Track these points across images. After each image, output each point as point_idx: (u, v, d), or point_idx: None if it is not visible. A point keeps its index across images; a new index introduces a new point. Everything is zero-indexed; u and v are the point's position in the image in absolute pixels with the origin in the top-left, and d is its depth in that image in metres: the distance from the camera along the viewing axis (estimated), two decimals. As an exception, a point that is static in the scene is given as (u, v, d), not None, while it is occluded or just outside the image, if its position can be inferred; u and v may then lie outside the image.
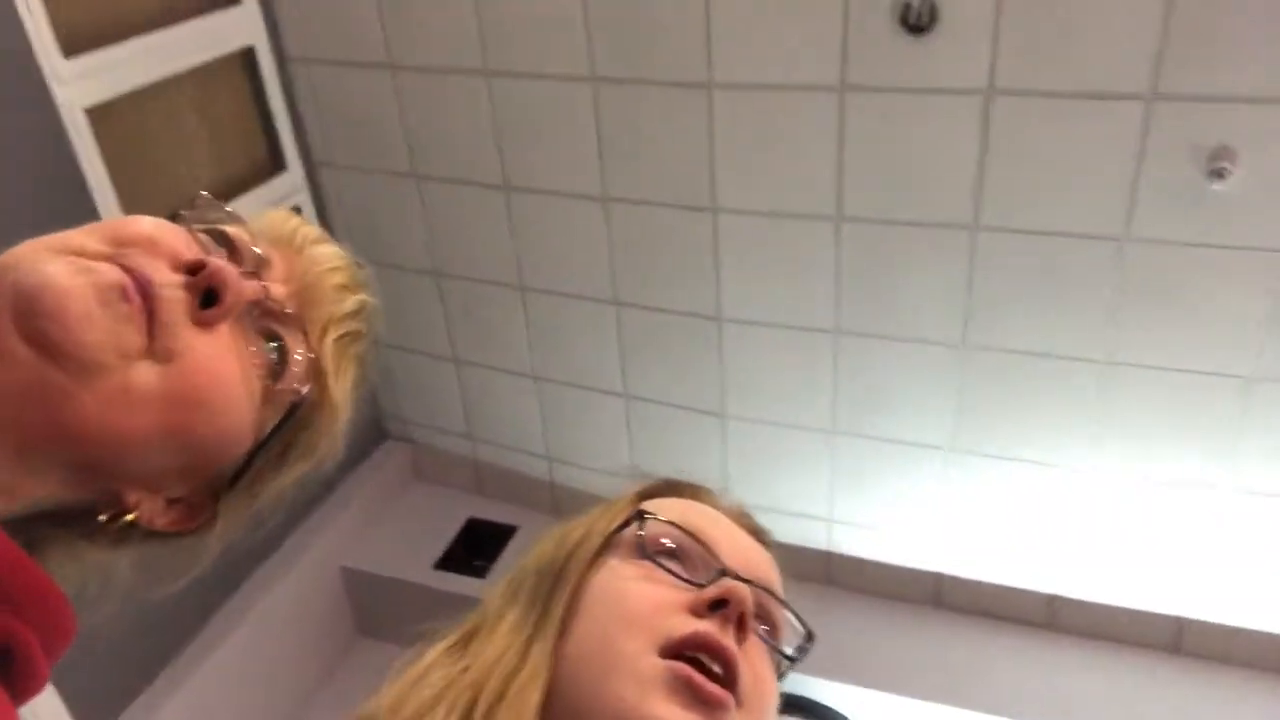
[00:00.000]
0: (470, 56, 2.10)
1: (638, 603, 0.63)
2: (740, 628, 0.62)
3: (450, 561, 2.63)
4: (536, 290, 2.38)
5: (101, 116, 1.87)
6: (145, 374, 0.55)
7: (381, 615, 2.66)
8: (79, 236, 0.58)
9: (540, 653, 0.62)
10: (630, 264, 2.23)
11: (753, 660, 0.63)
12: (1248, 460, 1.87)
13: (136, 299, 0.55)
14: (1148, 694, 2.12)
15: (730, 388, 2.27)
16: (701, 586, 0.63)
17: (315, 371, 0.66)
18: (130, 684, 2.13)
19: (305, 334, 0.65)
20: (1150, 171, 1.69)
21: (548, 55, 2.04)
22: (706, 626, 0.61)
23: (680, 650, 0.60)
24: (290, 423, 0.65)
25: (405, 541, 2.70)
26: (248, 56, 2.21)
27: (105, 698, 2.07)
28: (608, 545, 0.68)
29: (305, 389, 0.65)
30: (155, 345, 0.56)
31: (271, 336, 0.64)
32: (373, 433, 2.84)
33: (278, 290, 0.64)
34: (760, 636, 0.65)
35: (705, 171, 2.01)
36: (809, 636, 0.69)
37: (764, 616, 0.67)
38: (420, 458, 2.89)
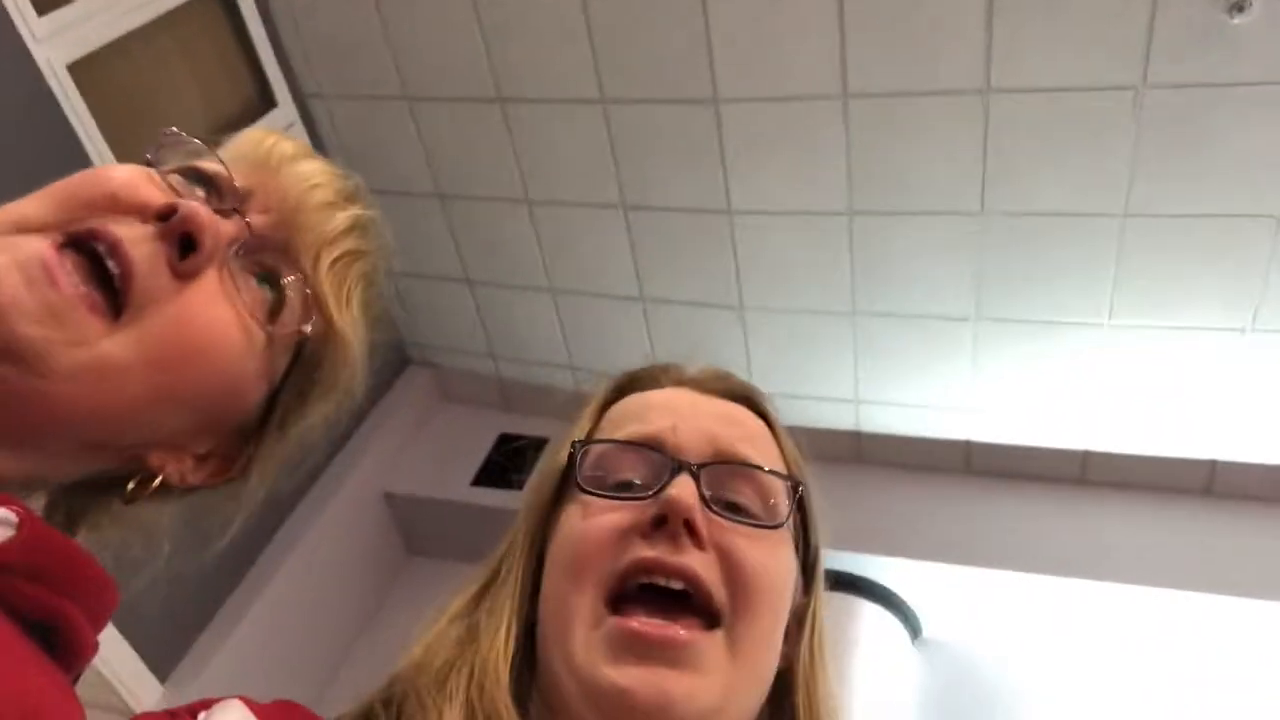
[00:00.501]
0: (450, -34, 2.04)
1: (584, 547, 0.60)
2: (692, 533, 0.59)
3: (487, 476, 2.69)
4: (543, 202, 2.36)
5: (84, 71, 1.84)
6: (118, 344, 0.52)
7: (428, 534, 2.74)
8: (28, 204, 0.54)
9: (508, 615, 0.62)
10: (635, 165, 2.20)
11: (730, 545, 0.60)
12: (1274, 302, 1.86)
13: (67, 283, 0.50)
14: (1183, 538, 2.16)
15: (746, 280, 2.26)
16: (656, 495, 0.60)
17: (316, 302, 0.61)
18: (192, 621, 2.22)
19: (297, 261, 0.60)
20: (1167, 11, 1.63)
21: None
22: (650, 551, 0.58)
23: (627, 586, 0.58)
24: (301, 360, 0.62)
25: (441, 462, 2.75)
26: (222, -8, 2.16)
27: (170, 636, 2.15)
28: (566, 484, 0.66)
29: (307, 326, 0.60)
30: (130, 308, 0.52)
31: (263, 273, 0.59)
32: (395, 360, 2.87)
33: (261, 220, 0.59)
34: (732, 520, 0.61)
35: (704, 62, 1.96)
36: (795, 487, 0.66)
37: (742, 489, 0.63)
38: (445, 380, 2.92)
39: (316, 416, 0.66)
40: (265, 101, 2.31)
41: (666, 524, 0.59)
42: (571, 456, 0.65)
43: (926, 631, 2.35)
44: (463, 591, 0.66)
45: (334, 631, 2.54)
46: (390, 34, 2.20)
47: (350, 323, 0.64)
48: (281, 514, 2.46)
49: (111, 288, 0.52)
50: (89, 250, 0.52)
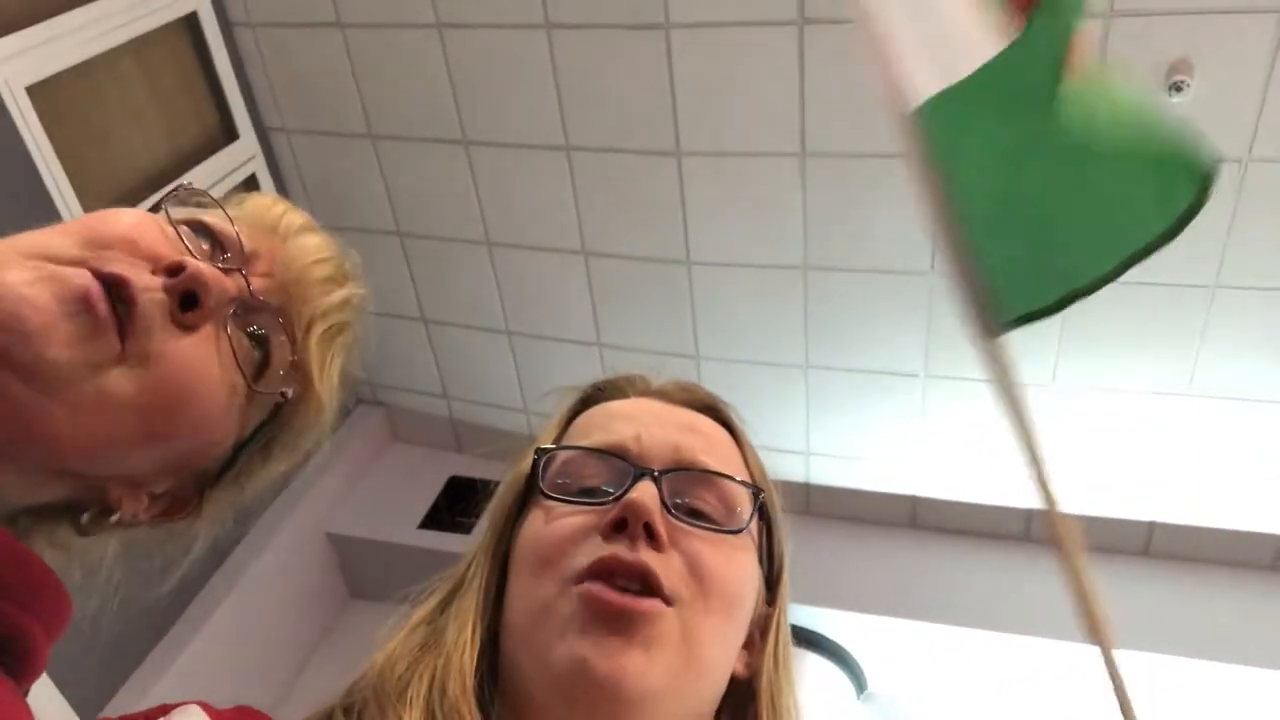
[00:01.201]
0: (421, 9, 2.06)
1: (547, 549, 0.61)
2: (651, 535, 0.59)
3: (435, 520, 2.65)
4: (504, 245, 2.37)
5: (44, 94, 1.82)
6: (120, 381, 0.54)
7: (372, 577, 2.69)
8: (53, 237, 0.56)
9: (470, 620, 0.62)
10: (597, 213, 2.22)
11: (691, 549, 0.61)
12: (1212, 366, 1.92)
13: (103, 307, 0.53)
14: (1123, 597, 2.19)
15: (703, 329, 2.29)
16: (620, 496, 0.61)
17: (300, 368, 0.64)
18: (123, 662, 2.15)
19: (290, 329, 0.63)
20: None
21: (500, 3, 2.00)
22: (610, 549, 0.59)
23: (590, 580, 0.58)
24: (274, 419, 0.64)
25: (389, 503, 2.71)
26: (191, 23, 2.15)
27: (98, 678, 2.08)
28: (530, 491, 0.67)
29: (290, 389, 0.63)
30: (131, 350, 0.54)
31: (255, 332, 0.62)
32: (346, 397, 2.84)
33: (261, 284, 0.62)
34: (693, 525, 0.62)
35: (668, 115, 2.00)
36: (755, 494, 0.66)
37: (705, 496, 0.64)
38: (396, 419, 2.89)
39: (274, 471, 0.68)
40: (227, 133, 2.30)
41: (627, 527, 0.59)
42: (535, 463, 0.66)
43: (872, 685, 2.36)
44: (425, 601, 0.66)
45: (272, 672, 2.47)
46: (358, 72, 2.22)
47: (328, 390, 0.67)
48: (222, 550, 2.41)
49: (119, 327, 0.54)
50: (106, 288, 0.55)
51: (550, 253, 2.32)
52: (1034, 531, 2.34)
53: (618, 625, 0.56)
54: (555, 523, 0.62)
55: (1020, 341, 2.01)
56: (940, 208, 0.90)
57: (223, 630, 2.30)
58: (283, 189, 2.46)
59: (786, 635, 0.68)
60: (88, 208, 1.91)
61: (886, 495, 2.41)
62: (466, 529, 2.59)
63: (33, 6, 1.80)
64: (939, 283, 2.02)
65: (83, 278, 0.53)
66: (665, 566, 0.59)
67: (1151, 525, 2.24)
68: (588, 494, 0.63)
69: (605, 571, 0.58)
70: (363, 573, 2.70)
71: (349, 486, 2.75)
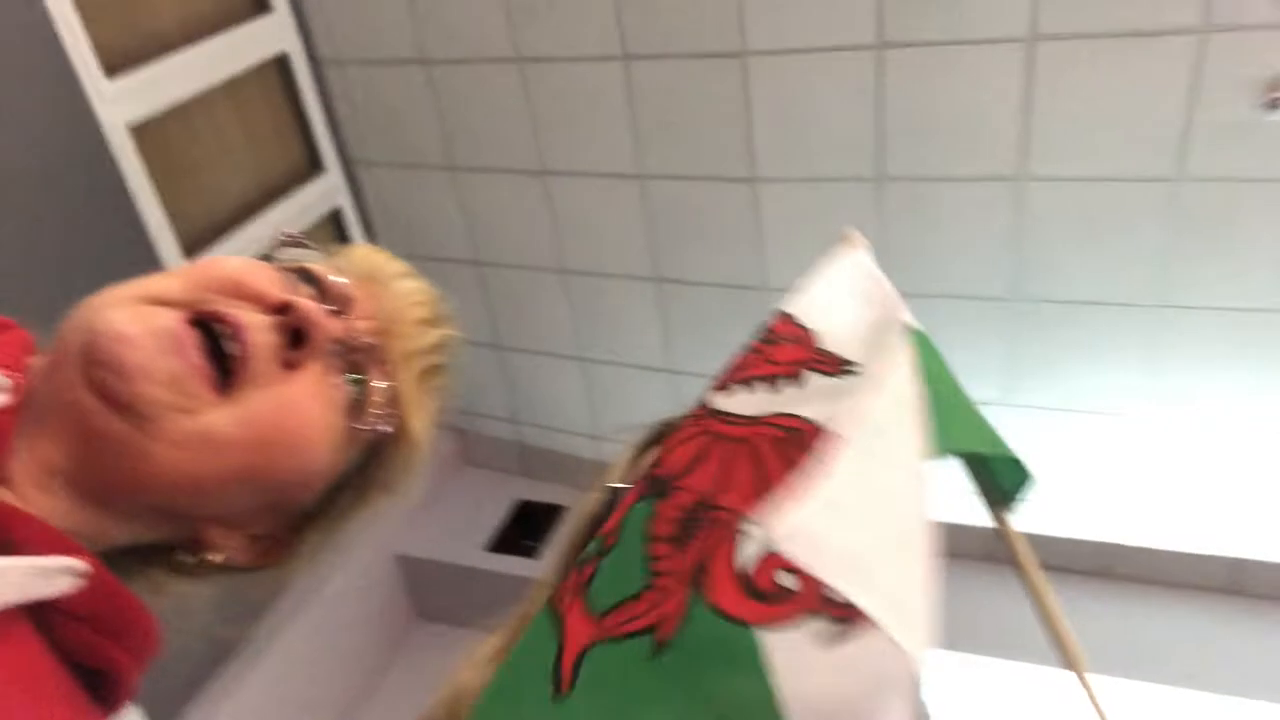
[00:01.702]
0: (500, 44, 2.11)
1: None
2: None
3: (502, 543, 2.68)
4: (577, 272, 2.40)
5: (144, 132, 1.91)
6: (222, 419, 0.55)
7: (438, 599, 2.72)
8: (163, 281, 0.59)
9: None
10: (670, 240, 2.24)
11: None
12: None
13: (194, 351, 0.54)
14: (1206, 634, 2.11)
15: (774, 357, 2.28)
16: None
17: (395, 407, 0.65)
18: (192, 682, 2.19)
19: (386, 369, 0.65)
20: (1203, 108, 1.67)
21: (578, 37, 2.04)
22: None
23: None
24: (371, 457, 0.66)
25: (457, 526, 2.75)
26: (282, 63, 2.24)
27: (169, 697, 2.12)
28: (599, 529, 0.67)
29: (385, 428, 0.64)
30: (236, 389, 0.56)
31: (354, 372, 0.63)
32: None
33: (361, 326, 0.64)
34: None
35: (743, 142, 2.01)
36: None
37: None
38: (467, 443, 2.94)
39: (368, 510, 0.69)
40: (314, 167, 2.38)
41: None
42: (609, 502, 0.68)
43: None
44: (497, 633, 0.67)
45: (341, 693, 2.51)
46: (439, 106, 2.28)
47: (423, 429, 0.68)
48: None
49: (223, 366, 0.56)
50: (211, 330, 0.56)
51: (623, 279, 2.34)
52: (1115, 567, 2.26)
53: None
54: None
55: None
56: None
57: (293, 651, 2.35)
58: (366, 220, 2.53)
59: None
60: (181, 238, 2.00)
61: (962, 527, 2.35)
62: (534, 553, 2.61)
63: (136, 50, 1.89)
64: (1019, 308, 1.99)
65: (176, 321, 0.55)
66: None
67: (1241, 562, 2.15)
68: None
69: None
70: (430, 595, 2.74)
71: (419, 509, 2.79)
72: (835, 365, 0.67)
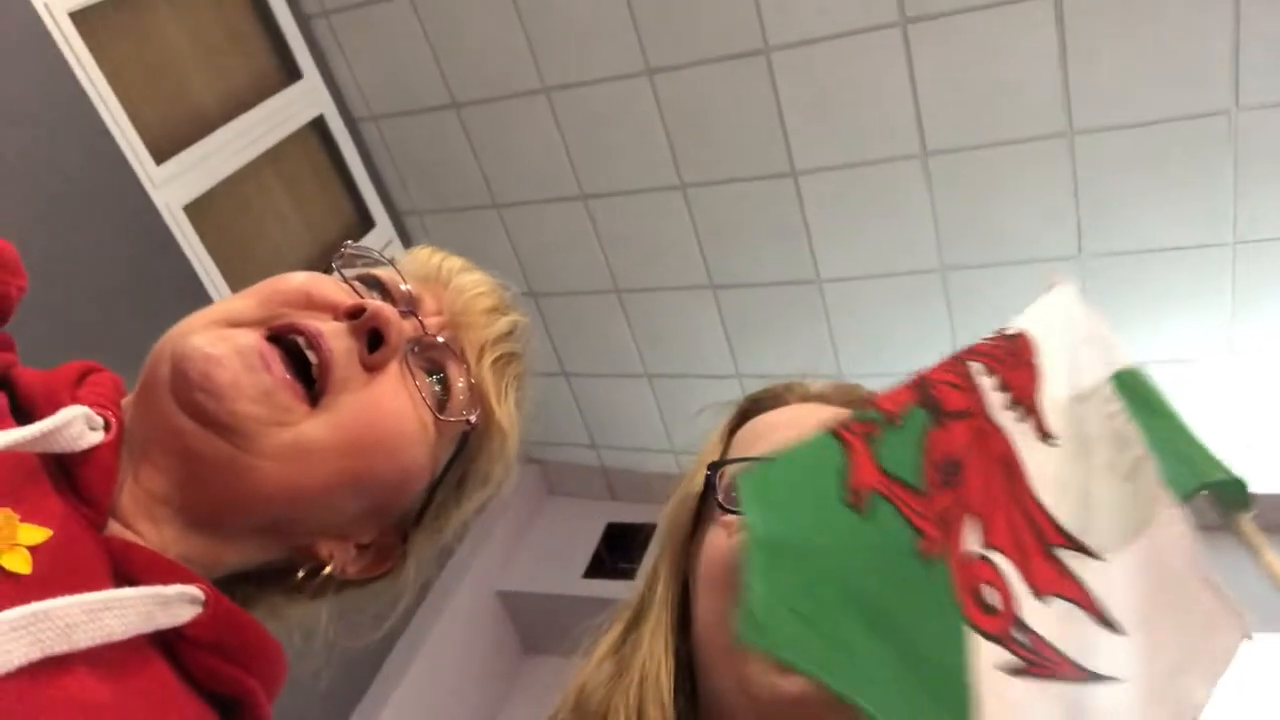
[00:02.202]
0: (527, 78, 2.13)
1: (735, 563, 0.58)
2: None
3: (598, 568, 2.68)
4: (632, 290, 2.39)
5: (198, 210, 1.97)
6: (316, 428, 0.56)
7: (543, 630, 2.72)
8: (235, 302, 0.60)
9: (659, 650, 0.61)
10: (719, 245, 2.22)
11: None
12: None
13: (278, 365, 0.55)
14: None
15: (841, 346, 2.24)
16: None
17: (479, 397, 0.66)
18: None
19: (464, 361, 0.65)
20: (1251, 30, 1.58)
21: (601, 58, 2.05)
22: None
23: None
24: (463, 451, 0.66)
25: (552, 556, 2.76)
26: (319, 125, 2.30)
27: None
28: (704, 509, 0.65)
29: (473, 416, 0.65)
30: (325, 397, 0.57)
31: (433, 369, 0.64)
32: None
33: (432, 323, 0.65)
34: None
35: (779, 137, 1.99)
36: None
37: None
38: (550, 474, 2.95)
39: (469, 508, 0.70)
40: (365, 222, 2.43)
41: None
42: (709, 479, 0.65)
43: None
44: (608, 632, 0.66)
45: (460, 735, 2.54)
46: (476, 147, 2.31)
47: (508, 416, 0.68)
48: (400, 620, 2.48)
49: (308, 376, 0.57)
50: (289, 343, 0.58)
51: (678, 291, 2.33)
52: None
53: None
54: (739, 536, 0.60)
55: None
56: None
57: (409, 699, 2.38)
58: (419, 266, 2.57)
59: None
60: (248, 309, 2.05)
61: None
62: (630, 574, 2.60)
63: (180, 132, 1.96)
64: (1090, 265, 1.92)
65: (256, 339, 0.56)
66: None
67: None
68: None
69: None
70: (535, 627, 2.75)
71: (512, 544, 2.81)
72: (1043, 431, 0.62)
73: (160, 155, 1.89)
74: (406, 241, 2.54)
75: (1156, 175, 1.77)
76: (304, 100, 2.24)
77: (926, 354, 2.17)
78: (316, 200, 2.33)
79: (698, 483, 0.66)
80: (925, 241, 2.00)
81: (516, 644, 2.78)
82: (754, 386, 2.40)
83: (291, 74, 2.22)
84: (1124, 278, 1.90)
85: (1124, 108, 1.73)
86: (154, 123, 1.89)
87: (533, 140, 2.23)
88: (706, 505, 0.65)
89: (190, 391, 0.54)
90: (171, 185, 1.91)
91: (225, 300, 0.60)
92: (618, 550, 2.72)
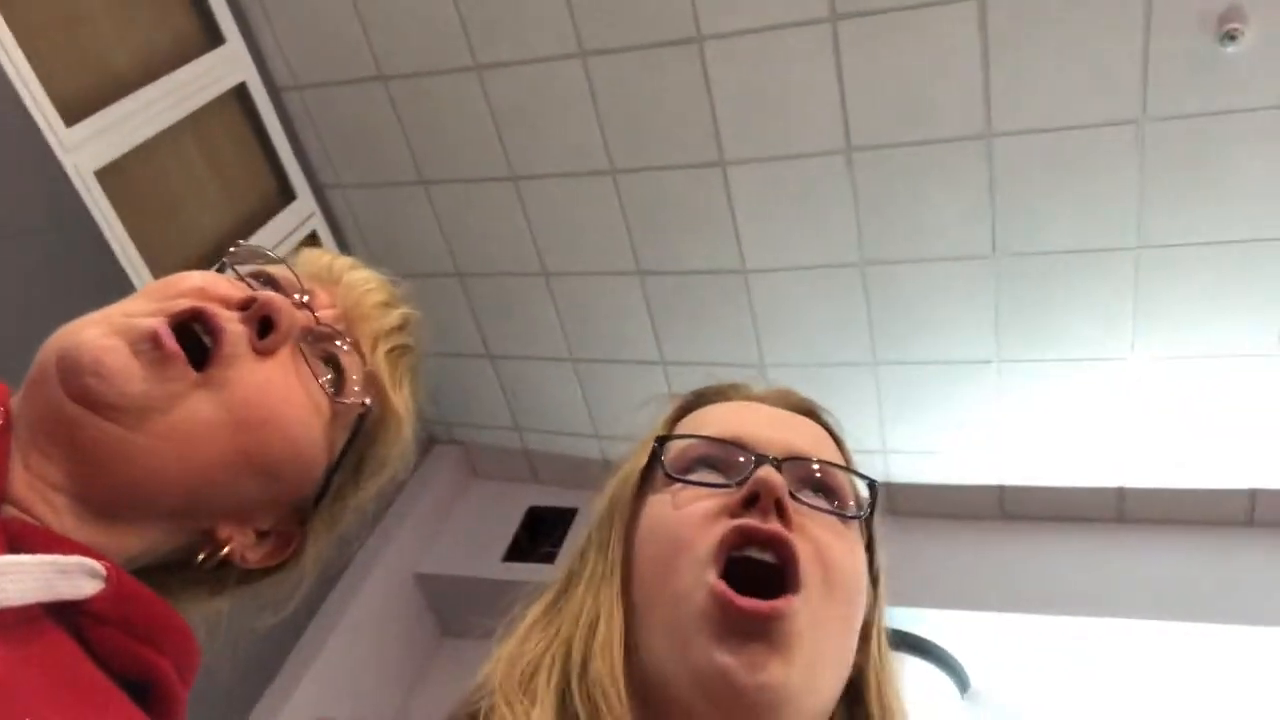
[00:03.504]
0: (458, 54, 2.10)
1: (677, 527, 0.62)
2: (781, 512, 0.60)
3: (518, 551, 2.68)
4: (560, 274, 2.39)
5: (110, 175, 1.90)
6: (204, 405, 0.57)
7: (461, 613, 2.71)
8: (130, 302, 0.61)
9: (608, 600, 0.63)
10: (648, 232, 2.23)
11: (815, 535, 0.61)
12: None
13: (171, 341, 0.56)
14: (1227, 570, 2.11)
15: (765, 337, 2.28)
16: (742, 484, 0.62)
17: (374, 384, 0.68)
18: (228, 715, 2.19)
19: (358, 351, 0.68)
20: (1161, 44, 1.66)
21: (534, 38, 2.04)
22: (745, 520, 0.60)
23: (728, 553, 0.59)
24: (359, 436, 0.67)
25: (471, 539, 2.75)
26: (241, 93, 2.23)
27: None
28: (646, 483, 0.68)
29: (368, 400, 0.67)
30: (215, 375, 0.58)
31: (327, 358, 0.66)
32: (421, 439, 2.88)
33: (326, 315, 0.67)
34: (816, 508, 0.63)
35: (709, 127, 2.00)
36: (871, 485, 0.68)
37: (821, 487, 0.66)
38: (472, 456, 2.93)
39: (367, 493, 0.72)
40: (285, 195, 2.37)
41: (758, 502, 0.60)
42: (654, 452, 0.68)
43: (975, 684, 2.30)
44: (539, 602, 0.67)
45: (373, 717, 2.51)
46: (403, 122, 2.27)
47: (404, 402, 0.71)
48: (314, 601, 2.46)
49: (199, 362, 0.58)
50: (185, 331, 0.59)
51: (606, 276, 2.34)
52: (1127, 511, 2.27)
53: (756, 630, 0.57)
54: (684, 505, 0.63)
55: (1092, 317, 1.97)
56: None
57: (322, 678, 2.35)
58: (343, 242, 2.52)
59: (886, 633, 0.69)
60: (159, 278, 1.98)
61: (971, 487, 2.35)
62: (550, 558, 2.60)
63: (93, 94, 1.88)
64: (1003, 264, 1.99)
65: (152, 321, 0.57)
66: (801, 541, 0.60)
67: (1254, 492, 2.15)
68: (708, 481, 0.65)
69: (741, 540, 0.59)
70: (453, 610, 2.73)
71: (432, 526, 2.79)
72: None
73: (71, 117, 1.81)
74: (329, 214, 2.49)
75: (1068, 179, 1.84)
76: (226, 66, 2.17)
77: (845, 345, 2.24)
78: (236, 170, 2.26)
79: (641, 459, 0.69)
80: (847, 235, 2.05)
81: (434, 626, 2.77)
82: (678, 373, 2.44)
83: (214, 38, 2.15)
84: (1035, 277, 1.98)
85: (1040, 112, 1.79)
86: (65, 83, 1.81)
87: (462, 118, 2.20)
88: (649, 478, 0.68)
89: (80, 377, 0.54)
90: (83, 149, 1.83)
91: (119, 303, 0.61)
92: (538, 534, 2.72)
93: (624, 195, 2.18)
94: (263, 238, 2.24)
